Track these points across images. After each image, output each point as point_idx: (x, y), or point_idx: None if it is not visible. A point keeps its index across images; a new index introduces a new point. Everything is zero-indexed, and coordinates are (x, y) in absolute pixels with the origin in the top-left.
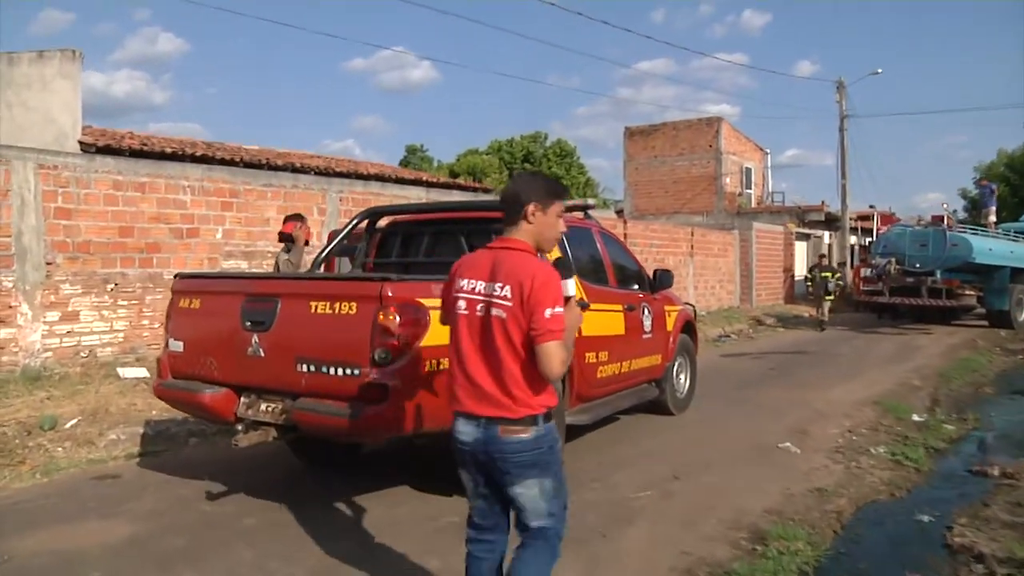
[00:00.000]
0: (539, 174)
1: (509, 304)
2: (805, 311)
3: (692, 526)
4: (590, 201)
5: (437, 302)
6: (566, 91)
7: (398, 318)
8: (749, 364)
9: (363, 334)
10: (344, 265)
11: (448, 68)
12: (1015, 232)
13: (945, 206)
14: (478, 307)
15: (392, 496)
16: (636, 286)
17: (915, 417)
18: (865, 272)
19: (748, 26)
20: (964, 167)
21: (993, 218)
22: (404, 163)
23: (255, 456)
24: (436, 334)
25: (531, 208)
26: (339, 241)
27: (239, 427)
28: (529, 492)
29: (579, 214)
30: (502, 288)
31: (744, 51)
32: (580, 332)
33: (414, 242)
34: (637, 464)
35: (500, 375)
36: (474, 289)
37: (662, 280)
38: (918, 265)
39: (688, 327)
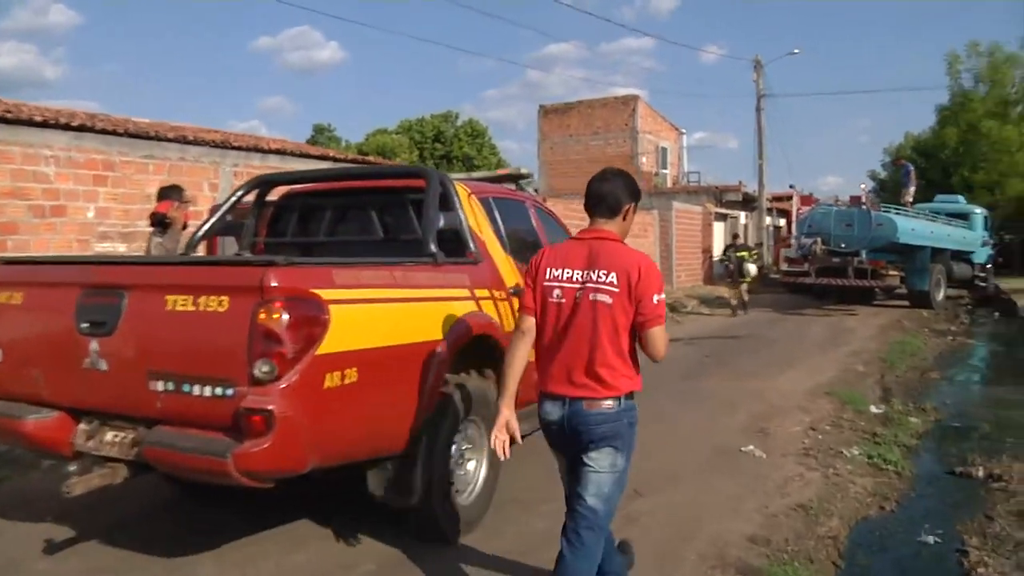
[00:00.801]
0: (629, 175)
1: (616, 291)
2: (726, 292)
3: (669, 565)
4: (523, 169)
5: (340, 294)
6: (477, 73)
7: (286, 317)
8: (683, 351)
9: (238, 339)
10: (229, 247)
11: (356, 47)
12: (930, 212)
13: (863, 187)
14: (576, 294)
15: (291, 536)
16: None
17: (873, 409)
18: (788, 252)
19: (658, 8)
20: (871, 150)
21: (911, 198)
22: (311, 143)
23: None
24: (340, 337)
25: (629, 208)
26: (221, 216)
27: (73, 466)
28: (602, 462)
29: (510, 185)
30: (607, 275)
31: (655, 33)
32: (515, 325)
33: (315, 218)
34: None
35: (595, 358)
36: (570, 277)
37: None
38: (843, 245)
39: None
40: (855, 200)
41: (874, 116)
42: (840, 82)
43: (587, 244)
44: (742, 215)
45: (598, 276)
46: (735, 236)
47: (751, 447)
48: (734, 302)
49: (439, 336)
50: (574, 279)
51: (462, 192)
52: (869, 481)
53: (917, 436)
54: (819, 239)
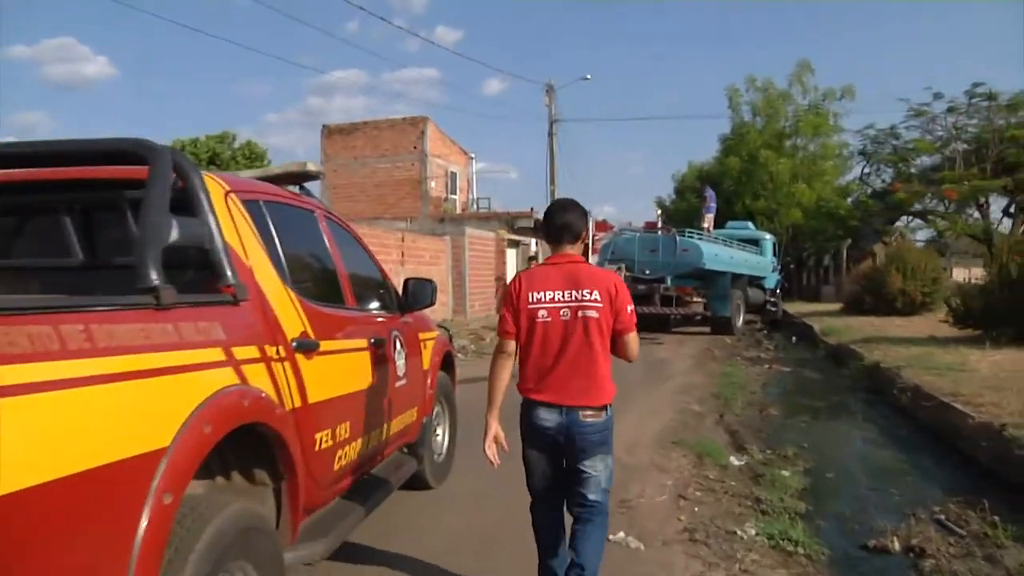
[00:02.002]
0: (579, 204)
1: (601, 306)
2: None
3: None
4: (311, 166)
5: None
6: (256, 96)
7: None
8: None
9: None
10: None
11: (126, 63)
12: (724, 239)
13: (659, 213)
14: (562, 312)
15: None
16: (380, 304)
17: (734, 461)
18: None
19: (444, 39)
20: (655, 179)
21: (710, 224)
22: None
23: None
24: None
25: (585, 233)
26: None
27: None
28: (597, 466)
29: (293, 188)
30: (591, 293)
31: (438, 65)
32: (304, 399)
33: None
34: None
35: (590, 368)
36: (554, 298)
37: (416, 295)
38: (648, 272)
39: (447, 361)
40: (651, 226)
41: (659, 145)
42: (628, 110)
43: (563, 268)
44: (533, 242)
45: (583, 295)
46: (531, 259)
47: (620, 534)
48: None
49: (160, 443)
50: (557, 299)
51: (215, 189)
52: (784, 574)
53: (799, 495)
54: (623, 265)
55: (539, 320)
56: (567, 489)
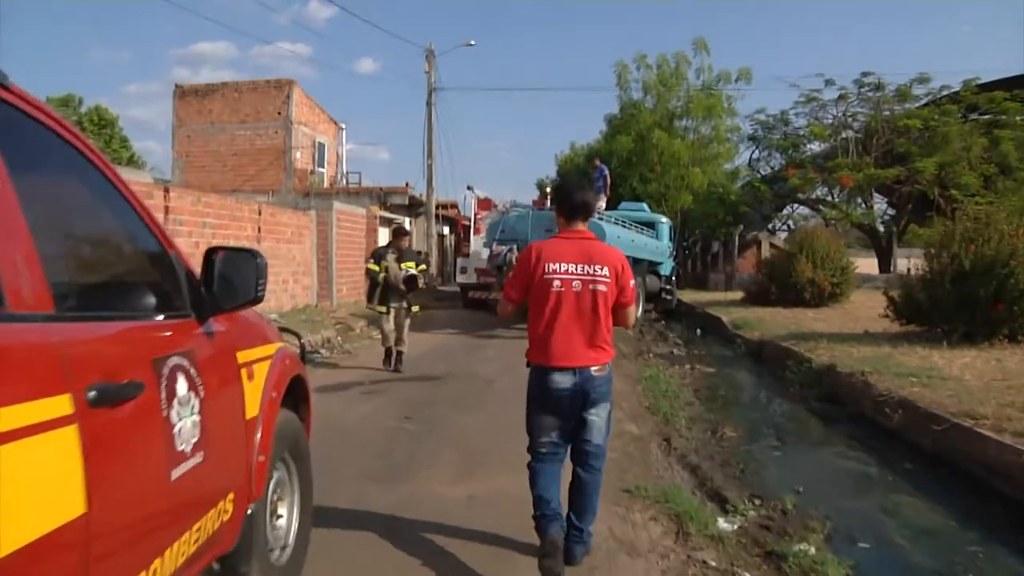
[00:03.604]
0: (588, 183)
1: (609, 281)
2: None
3: None
4: None
5: None
6: (116, 64)
7: None
8: (368, 409)
9: None
10: None
11: None
12: (621, 220)
13: (548, 189)
14: (574, 284)
15: None
16: (150, 300)
17: (723, 525)
18: (464, 263)
19: (316, 15)
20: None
21: (603, 204)
22: None
23: None
24: None
25: (594, 209)
26: None
27: None
28: (601, 413)
29: None
30: (602, 269)
31: (311, 40)
32: None
33: None
34: None
35: (595, 334)
36: (568, 271)
37: (229, 281)
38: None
39: (296, 390)
40: (540, 204)
41: (542, 125)
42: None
43: (577, 243)
44: (407, 220)
45: (595, 270)
46: (399, 233)
47: None
48: (390, 344)
49: None
50: (571, 272)
51: None
52: None
53: None
54: (515, 246)
55: (553, 290)
56: (573, 439)
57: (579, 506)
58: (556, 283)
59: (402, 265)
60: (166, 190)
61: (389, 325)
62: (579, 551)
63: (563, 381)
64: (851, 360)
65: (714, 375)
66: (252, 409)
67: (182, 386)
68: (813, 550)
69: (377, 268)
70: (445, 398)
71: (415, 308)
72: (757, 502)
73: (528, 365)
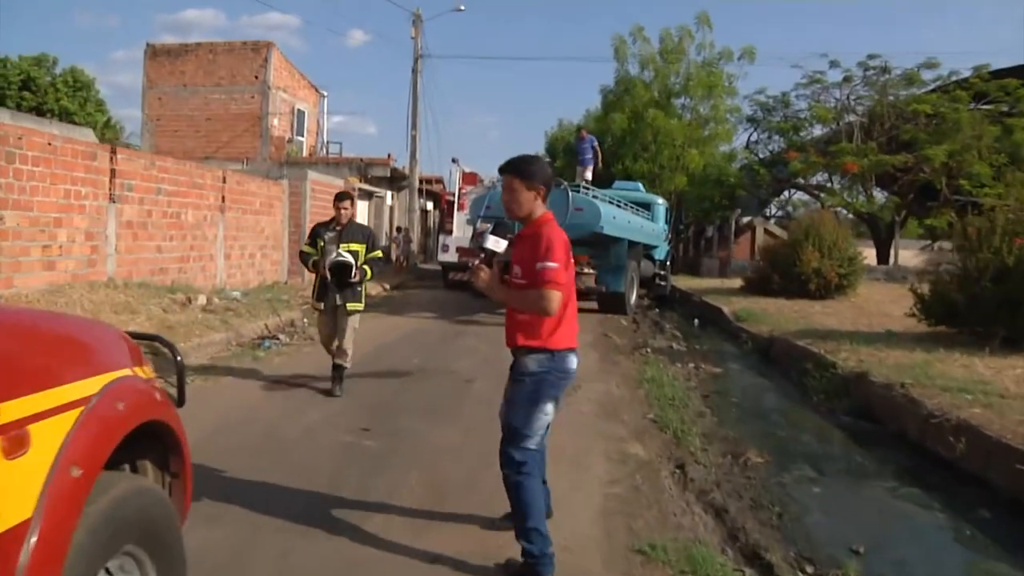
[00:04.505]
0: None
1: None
2: (371, 287)
3: None
4: None
5: None
6: (102, 30)
7: None
8: (317, 416)
9: None
10: None
11: None
12: (616, 200)
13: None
14: (570, 271)
15: None
16: None
17: None
18: (448, 240)
19: None
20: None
21: (590, 176)
22: None
23: None
24: None
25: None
26: None
27: None
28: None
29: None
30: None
31: (297, 10)
32: None
33: None
34: None
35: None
36: (570, 259)
37: None
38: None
39: (159, 438)
40: None
41: (533, 100)
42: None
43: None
44: (389, 194)
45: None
46: (338, 199)
47: None
48: (338, 360)
49: None
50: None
51: None
52: None
53: None
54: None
55: (571, 275)
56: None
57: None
58: (572, 271)
59: (341, 246)
60: (113, 150)
61: (326, 329)
62: None
63: (574, 361)
64: (883, 367)
65: (722, 376)
66: (9, 511)
67: None
68: None
69: (313, 250)
70: (414, 402)
71: (355, 307)
72: (810, 570)
73: (548, 352)
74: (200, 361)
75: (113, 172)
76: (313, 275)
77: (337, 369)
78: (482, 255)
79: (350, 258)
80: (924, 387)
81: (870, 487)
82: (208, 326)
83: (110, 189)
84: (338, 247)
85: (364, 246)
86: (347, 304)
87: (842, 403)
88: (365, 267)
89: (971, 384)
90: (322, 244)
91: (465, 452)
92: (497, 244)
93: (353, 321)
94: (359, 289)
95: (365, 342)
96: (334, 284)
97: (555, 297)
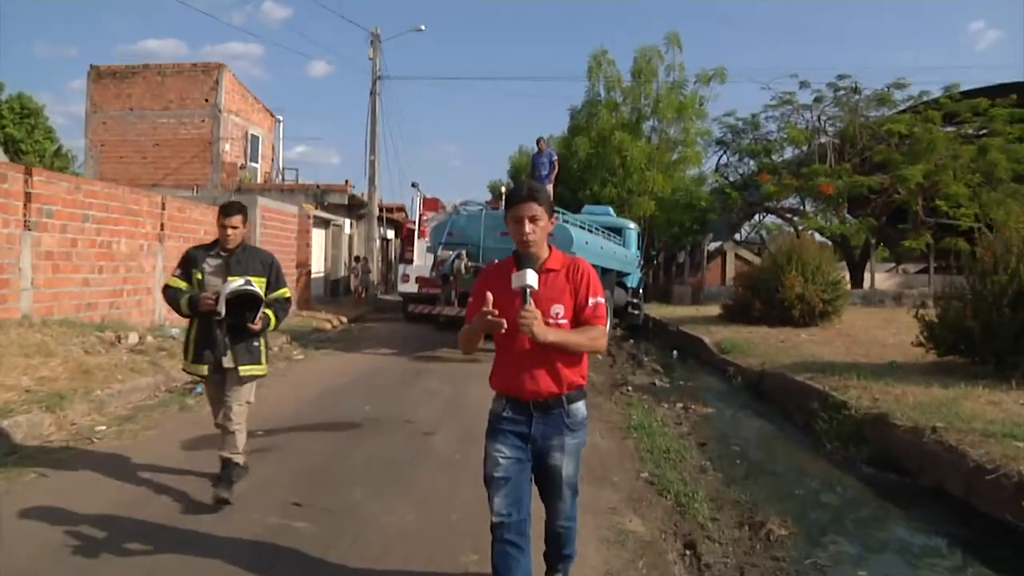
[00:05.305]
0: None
1: None
2: (327, 320)
3: None
4: None
5: None
6: (59, 60)
7: None
8: (246, 481)
9: None
10: None
11: None
12: (583, 225)
13: (505, 186)
14: None
15: None
16: None
17: None
18: (409, 270)
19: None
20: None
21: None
22: None
23: None
24: None
25: None
26: None
27: None
28: None
29: None
30: None
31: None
32: None
33: None
34: None
35: None
36: None
37: None
38: (497, 261)
39: None
40: (495, 204)
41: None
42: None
43: None
44: (347, 223)
45: None
46: (224, 211)
47: None
48: (224, 452)
49: None
50: None
51: None
52: None
53: None
54: (464, 252)
55: None
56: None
57: None
58: None
59: (230, 279)
60: (28, 172)
61: (218, 404)
62: None
63: None
64: (902, 407)
65: (715, 418)
66: None
67: None
68: None
69: (185, 284)
70: (360, 466)
71: (252, 370)
72: None
73: (582, 390)
74: (119, 411)
75: (28, 196)
76: (187, 322)
77: (226, 467)
78: (523, 293)
79: (257, 289)
80: (960, 432)
81: (927, 567)
82: (134, 369)
83: (24, 215)
84: (225, 281)
85: (264, 280)
86: (239, 368)
87: (860, 451)
88: (267, 312)
89: (1015, 428)
90: (200, 277)
91: (420, 539)
92: (535, 280)
93: (247, 392)
94: (257, 344)
95: (310, 387)
96: (223, 333)
97: (607, 333)
